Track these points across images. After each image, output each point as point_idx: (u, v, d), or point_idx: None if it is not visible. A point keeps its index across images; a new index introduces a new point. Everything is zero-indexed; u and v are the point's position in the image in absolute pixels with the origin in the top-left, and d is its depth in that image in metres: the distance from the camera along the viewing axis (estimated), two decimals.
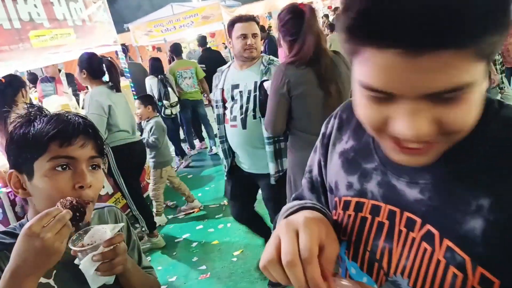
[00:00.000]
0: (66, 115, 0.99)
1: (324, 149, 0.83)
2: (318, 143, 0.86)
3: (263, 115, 2.42)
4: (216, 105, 2.67)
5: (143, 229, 3.79)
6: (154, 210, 4.26)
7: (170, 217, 4.46)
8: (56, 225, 0.80)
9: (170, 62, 6.81)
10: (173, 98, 5.91)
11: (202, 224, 4.09)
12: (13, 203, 3.33)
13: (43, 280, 0.93)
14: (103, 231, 0.93)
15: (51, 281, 0.95)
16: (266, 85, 2.38)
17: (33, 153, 0.94)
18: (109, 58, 3.55)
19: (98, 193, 0.98)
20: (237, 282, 2.96)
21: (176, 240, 3.88)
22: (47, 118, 0.96)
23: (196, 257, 3.45)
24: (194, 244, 3.69)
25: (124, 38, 8.62)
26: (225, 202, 4.47)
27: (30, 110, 1.00)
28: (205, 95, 6.59)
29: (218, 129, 2.73)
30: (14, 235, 0.97)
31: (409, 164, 0.60)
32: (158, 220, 4.20)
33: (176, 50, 6.47)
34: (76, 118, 0.99)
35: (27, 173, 0.96)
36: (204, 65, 6.55)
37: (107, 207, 1.17)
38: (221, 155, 2.81)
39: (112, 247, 0.91)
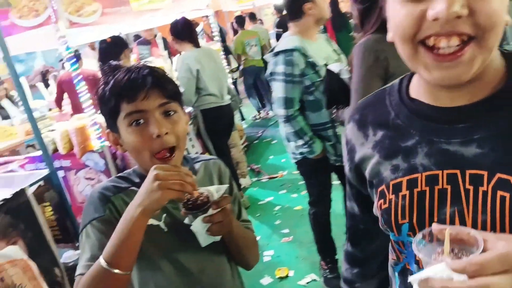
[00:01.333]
0: (130, 68, 0.99)
1: (350, 155, 0.83)
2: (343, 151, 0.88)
3: (330, 104, 2.09)
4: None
5: None
6: (239, 171, 4.37)
7: (254, 180, 4.55)
8: (175, 174, 0.86)
9: (235, 33, 7.29)
10: (234, 64, 6.47)
11: (286, 189, 4.12)
12: (114, 156, 3.61)
13: (154, 222, 0.99)
14: (210, 193, 0.95)
15: (161, 224, 1.01)
16: (336, 68, 2.03)
17: (112, 113, 0.99)
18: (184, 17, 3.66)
19: (182, 137, 0.99)
20: None
21: (259, 203, 3.97)
22: (114, 78, 0.98)
23: (279, 220, 3.50)
24: (277, 208, 3.75)
25: (215, 3, 8.72)
26: None
27: (107, 70, 1.03)
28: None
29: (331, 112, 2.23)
30: (128, 180, 1.05)
31: (448, 80, 0.60)
32: (243, 182, 4.31)
33: (240, 22, 7.18)
34: (136, 71, 0.97)
35: (116, 131, 1.02)
36: (281, 30, 6.76)
37: (213, 159, 1.19)
38: (328, 147, 2.34)
39: (220, 209, 0.94)
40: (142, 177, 0.93)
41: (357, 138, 0.80)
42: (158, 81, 0.97)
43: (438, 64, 0.59)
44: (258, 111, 7.24)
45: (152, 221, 0.99)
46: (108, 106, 0.98)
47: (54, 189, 3.14)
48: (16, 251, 2.09)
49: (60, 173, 3.73)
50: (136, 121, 0.95)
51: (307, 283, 2.60)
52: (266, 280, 2.70)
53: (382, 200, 0.73)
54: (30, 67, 10.93)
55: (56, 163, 3.70)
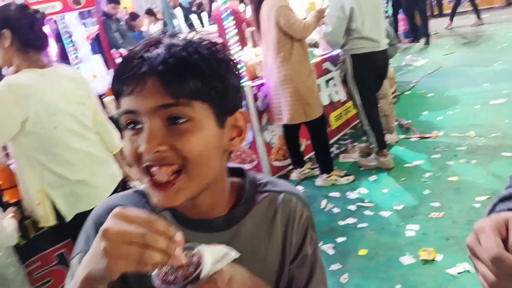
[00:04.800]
0: (159, 39, 0.64)
1: None
2: None
3: None
4: None
5: (371, 146, 3.54)
6: (385, 126, 3.91)
7: (401, 137, 4.05)
8: (136, 234, 0.52)
9: None
10: None
11: (440, 153, 3.55)
12: (255, 97, 3.50)
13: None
14: (203, 260, 0.60)
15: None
16: None
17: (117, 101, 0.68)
18: None
19: (194, 158, 0.62)
20: None
21: (405, 165, 3.50)
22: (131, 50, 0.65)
23: (428, 190, 3.03)
24: (427, 175, 3.25)
25: None
26: (472, 133, 3.76)
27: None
28: None
29: None
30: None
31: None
32: (389, 138, 3.85)
33: None
34: (154, 45, 0.62)
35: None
36: None
37: (287, 194, 0.79)
38: None
39: None
40: (174, 217, 0.69)
41: None
42: (170, 67, 0.60)
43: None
44: None
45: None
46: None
47: None
48: None
49: None
50: (130, 124, 0.64)
51: (459, 273, 2.18)
52: (406, 259, 2.35)
53: None
54: None
55: None
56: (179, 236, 0.55)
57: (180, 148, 0.61)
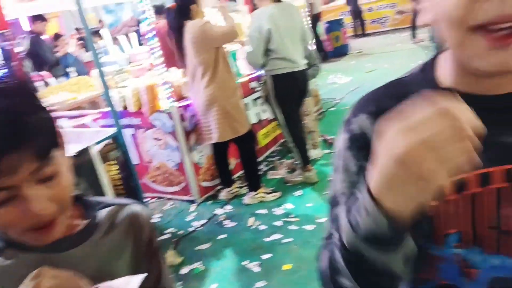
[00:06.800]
0: None
1: (366, 151, 0.62)
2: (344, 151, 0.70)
3: None
4: None
5: (296, 162, 3.67)
6: (311, 142, 4.08)
7: (326, 152, 4.24)
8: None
9: None
10: None
11: None
12: (182, 118, 3.51)
13: None
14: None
15: None
16: None
17: None
18: None
19: (65, 199, 0.69)
20: None
21: (329, 179, 3.66)
22: None
23: None
24: None
25: None
26: None
27: None
28: None
29: None
30: None
31: (501, 64, 0.53)
32: (313, 153, 4.02)
33: None
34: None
35: None
36: None
37: (126, 205, 0.85)
38: None
39: None
40: (6, 242, 0.71)
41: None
42: (30, 133, 0.63)
43: (492, 44, 0.53)
44: None
45: None
46: None
47: (120, 148, 3.12)
48: None
49: (130, 131, 3.72)
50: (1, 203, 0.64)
51: None
52: None
53: None
54: (118, 18, 11.26)
55: (127, 121, 3.69)
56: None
57: (59, 196, 0.67)
